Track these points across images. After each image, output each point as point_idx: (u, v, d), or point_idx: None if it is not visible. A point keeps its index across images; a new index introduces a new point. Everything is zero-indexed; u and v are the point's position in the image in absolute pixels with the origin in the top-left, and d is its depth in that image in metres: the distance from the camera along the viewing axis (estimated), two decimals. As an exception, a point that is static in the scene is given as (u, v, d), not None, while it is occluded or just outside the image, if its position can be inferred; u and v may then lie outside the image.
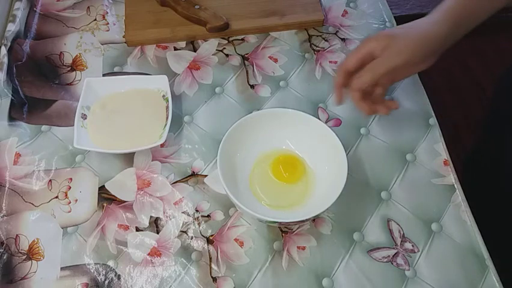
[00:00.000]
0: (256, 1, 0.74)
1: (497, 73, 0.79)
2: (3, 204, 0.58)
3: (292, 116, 0.58)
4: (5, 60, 0.69)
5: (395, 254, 0.55)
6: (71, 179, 0.60)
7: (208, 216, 0.58)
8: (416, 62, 0.53)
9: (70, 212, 0.57)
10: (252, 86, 0.68)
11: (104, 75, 0.69)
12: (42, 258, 0.54)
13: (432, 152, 0.63)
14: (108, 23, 0.74)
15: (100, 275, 0.53)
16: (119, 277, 0.53)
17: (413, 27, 0.54)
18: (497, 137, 0.78)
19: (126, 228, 0.56)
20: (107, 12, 0.75)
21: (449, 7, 0.54)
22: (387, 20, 0.76)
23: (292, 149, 0.60)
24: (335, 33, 0.74)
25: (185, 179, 0.60)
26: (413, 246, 0.56)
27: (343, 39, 0.73)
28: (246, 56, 0.71)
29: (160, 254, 0.55)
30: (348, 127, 0.64)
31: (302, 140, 0.59)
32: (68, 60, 0.70)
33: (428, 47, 0.53)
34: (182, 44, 0.72)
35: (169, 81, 0.64)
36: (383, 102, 0.58)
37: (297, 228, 0.56)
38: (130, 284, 0.53)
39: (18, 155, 0.61)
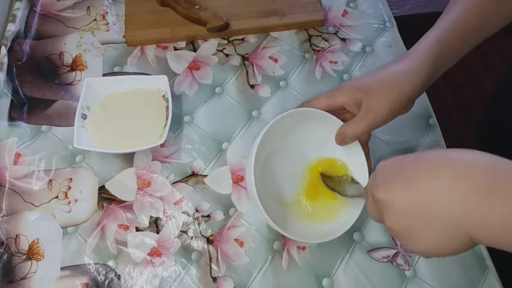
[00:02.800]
0: (256, 1, 0.74)
1: (497, 73, 0.79)
2: (3, 204, 0.58)
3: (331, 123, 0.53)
4: (5, 60, 0.69)
5: (395, 254, 0.55)
6: (71, 179, 0.60)
7: (208, 216, 0.58)
8: (395, 116, 0.51)
9: (70, 212, 0.57)
10: (252, 86, 0.68)
11: (104, 75, 0.69)
12: (42, 258, 0.54)
13: (432, 152, 0.63)
14: (108, 23, 0.74)
15: (100, 275, 0.53)
16: (119, 277, 0.53)
17: (387, 81, 0.50)
18: (497, 137, 0.78)
19: (126, 228, 0.56)
20: (107, 12, 0.75)
21: (426, 51, 0.50)
22: (387, 20, 0.76)
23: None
24: (335, 33, 0.74)
25: (185, 179, 0.60)
26: (413, 246, 0.56)
27: (343, 39, 0.73)
28: (246, 56, 0.71)
29: (160, 254, 0.55)
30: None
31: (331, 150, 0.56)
32: (68, 60, 0.70)
33: (404, 102, 0.50)
34: (182, 44, 0.72)
35: (169, 81, 0.64)
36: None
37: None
38: (130, 284, 0.53)
39: (18, 155, 0.61)
